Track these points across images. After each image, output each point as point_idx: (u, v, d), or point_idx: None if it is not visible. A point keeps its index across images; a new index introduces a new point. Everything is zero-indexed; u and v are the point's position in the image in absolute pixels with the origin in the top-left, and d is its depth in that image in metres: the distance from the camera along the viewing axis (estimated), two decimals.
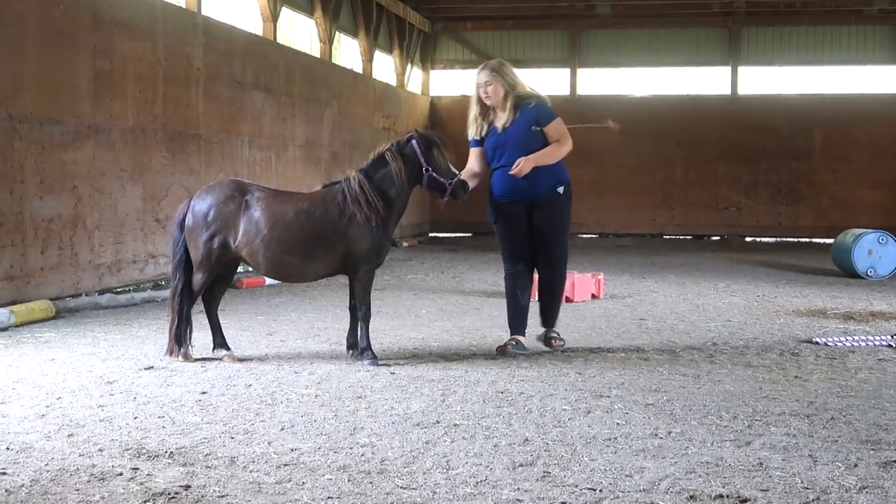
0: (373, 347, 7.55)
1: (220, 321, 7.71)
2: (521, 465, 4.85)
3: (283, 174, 16.12)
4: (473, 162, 8.21)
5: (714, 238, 24.50)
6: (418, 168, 7.56)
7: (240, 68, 14.56)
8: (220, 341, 7.63)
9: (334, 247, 7.41)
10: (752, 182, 24.37)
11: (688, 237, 24.60)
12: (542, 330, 8.30)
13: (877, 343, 8.59)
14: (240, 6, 16.07)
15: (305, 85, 17.11)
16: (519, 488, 4.50)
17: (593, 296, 11.81)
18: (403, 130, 23.24)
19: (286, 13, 17.13)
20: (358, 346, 7.54)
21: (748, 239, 24.30)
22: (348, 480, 4.58)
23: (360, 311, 7.52)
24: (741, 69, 24.81)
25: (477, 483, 4.57)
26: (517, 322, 8.16)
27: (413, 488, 4.49)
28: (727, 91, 24.82)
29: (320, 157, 17.82)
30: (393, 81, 23.20)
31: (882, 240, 14.67)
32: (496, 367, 7.41)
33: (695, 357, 7.91)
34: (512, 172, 7.80)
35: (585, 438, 5.36)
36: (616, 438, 5.37)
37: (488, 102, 7.98)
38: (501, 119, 7.97)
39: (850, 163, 23.77)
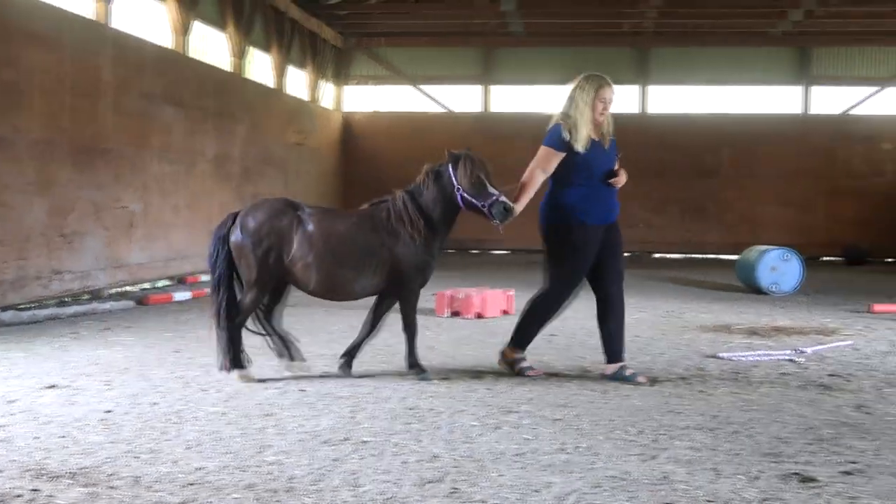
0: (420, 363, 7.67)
1: (285, 334, 7.79)
2: (430, 482, 4.85)
3: (193, 189, 15.93)
4: (551, 168, 7.72)
5: (625, 255, 24.74)
6: (450, 190, 7.51)
7: (150, 81, 14.37)
8: (294, 354, 7.76)
9: (382, 264, 7.44)
10: (662, 199, 24.75)
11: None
12: (610, 365, 7.79)
13: (779, 357, 8.78)
14: (150, 19, 15.87)
15: (217, 99, 16.94)
16: None
17: (504, 312, 11.87)
18: (316, 146, 23.33)
19: (198, 27, 16.96)
20: (350, 356, 7.74)
21: (657, 255, 24.66)
22: (255, 499, 4.54)
23: (406, 330, 7.60)
24: (650, 88, 25.23)
25: (385, 500, 4.56)
26: (529, 341, 8.02)
27: None
28: (636, 109, 25.21)
29: (231, 172, 17.65)
30: (306, 97, 23.11)
31: (785, 257, 15.01)
32: (406, 383, 7.40)
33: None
34: (618, 183, 7.66)
35: (494, 454, 5.38)
36: (524, 454, 5.40)
37: (601, 119, 7.62)
38: (598, 138, 7.66)
39: (756, 180, 24.29)
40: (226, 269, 7.48)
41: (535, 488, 4.77)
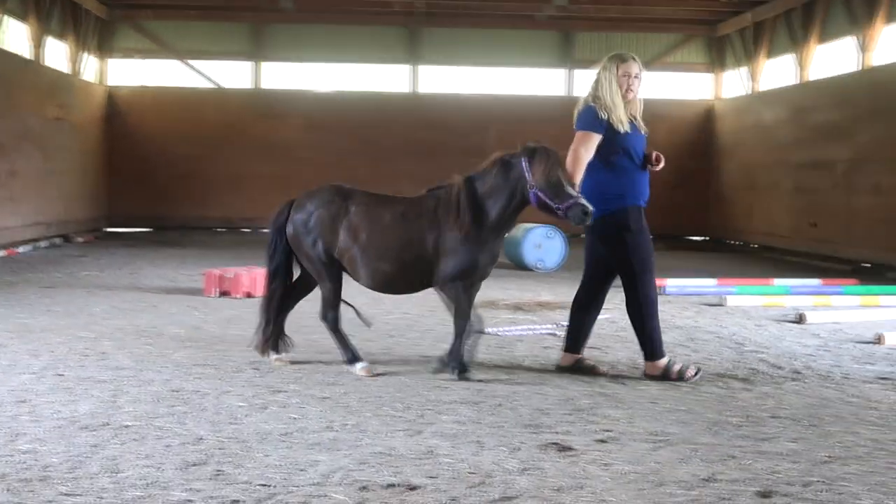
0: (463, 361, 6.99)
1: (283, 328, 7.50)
2: (194, 465, 4.76)
3: None
4: (591, 153, 7.01)
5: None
6: (523, 185, 6.76)
7: None
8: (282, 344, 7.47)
9: (422, 257, 6.94)
10: (432, 178, 24.74)
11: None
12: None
13: (542, 332, 9.08)
14: None
15: None
16: (190, 488, 4.42)
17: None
18: (78, 121, 22.39)
19: None
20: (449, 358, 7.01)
21: None
22: (7, 490, 4.33)
23: (456, 326, 7.00)
24: (421, 68, 25.50)
25: (146, 485, 4.45)
26: (660, 344, 7.25)
27: (78, 494, 4.31)
28: (408, 89, 25.44)
29: None
30: (67, 69, 22.13)
31: (550, 234, 15.53)
32: (171, 365, 7.23)
33: (371, 350, 8.02)
34: (659, 166, 7.10)
35: (260, 434, 5.34)
36: (291, 433, 5.38)
37: (630, 97, 7.08)
38: (632, 118, 7.14)
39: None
40: (283, 260, 7.27)
41: (301, 467, 4.76)
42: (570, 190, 6.64)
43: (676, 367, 7.16)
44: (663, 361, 7.18)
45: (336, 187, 7.32)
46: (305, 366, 7.30)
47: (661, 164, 7.13)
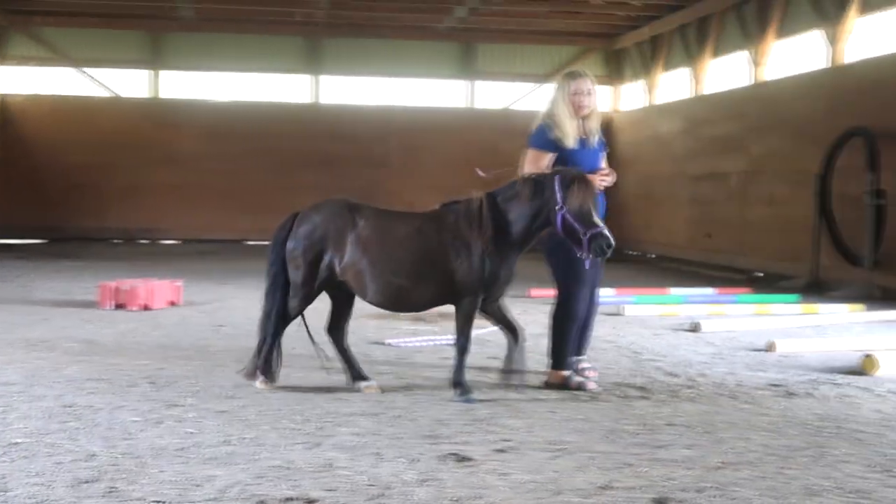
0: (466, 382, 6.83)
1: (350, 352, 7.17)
2: (86, 482, 4.65)
3: None
4: (542, 169, 7.16)
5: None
6: (551, 206, 6.61)
7: None
8: (356, 374, 7.06)
9: (442, 271, 6.72)
10: (333, 188, 24.84)
11: (270, 243, 24.69)
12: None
13: (441, 343, 9.09)
14: None
15: None
16: None
17: (172, 303, 11.59)
18: None
19: None
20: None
21: None
22: None
23: (456, 345, 6.83)
24: (322, 78, 25.44)
25: None
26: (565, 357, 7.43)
27: None
28: (309, 99, 25.34)
29: None
30: None
31: None
32: (63, 380, 7.06)
33: None
34: (605, 181, 7.15)
35: (155, 450, 5.24)
36: (187, 448, 5.29)
37: (582, 113, 7.27)
38: (584, 134, 7.33)
39: (424, 171, 24.97)
40: (281, 274, 6.94)
41: (197, 482, 4.69)
42: (597, 220, 6.60)
43: (577, 380, 7.24)
44: (566, 373, 7.28)
45: (344, 200, 7.08)
46: (202, 380, 7.19)
47: (609, 180, 7.20)
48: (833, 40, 16.35)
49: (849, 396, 7.16)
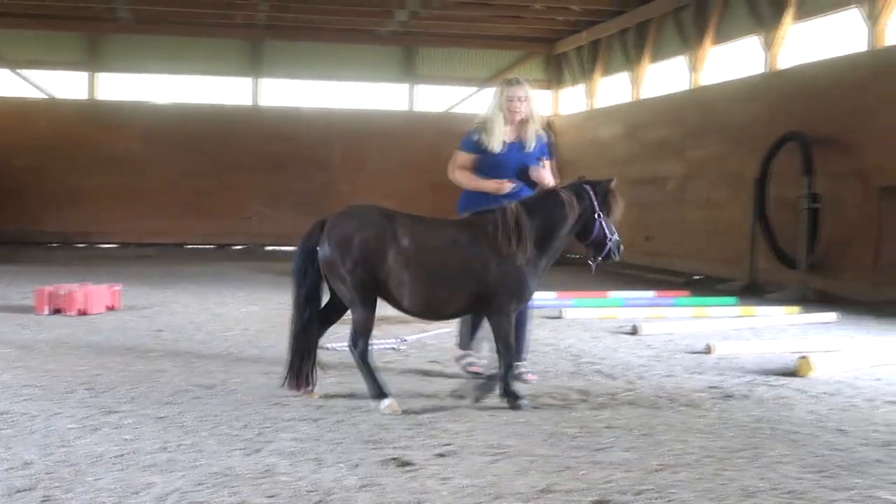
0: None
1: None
2: (20, 491, 4.59)
3: None
4: (470, 169, 7.67)
5: (237, 247, 24.70)
6: (588, 214, 6.93)
7: None
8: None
9: (482, 282, 6.66)
10: (275, 192, 24.89)
11: (211, 246, 24.59)
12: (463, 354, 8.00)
13: (383, 346, 9.07)
14: None
15: None
16: None
17: (110, 308, 11.45)
18: None
19: None
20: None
21: (270, 248, 24.72)
22: None
23: (501, 355, 6.79)
24: (263, 81, 25.31)
25: None
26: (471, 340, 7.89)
27: None
28: (250, 102, 25.19)
29: None
30: None
31: None
32: None
33: (210, 367, 7.91)
34: (541, 178, 7.47)
35: (92, 457, 5.17)
36: (125, 455, 5.23)
37: (516, 118, 7.56)
38: (514, 139, 7.61)
39: (366, 174, 24.96)
40: (314, 286, 6.69)
41: (135, 490, 4.64)
42: (614, 227, 7.06)
43: (465, 361, 7.84)
44: (462, 352, 7.88)
45: (377, 207, 6.90)
46: (139, 386, 7.11)
47: (543, 174, 7.50)
48: (769, 46, 16.60)
49: (784, 398, 7.26)
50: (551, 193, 6.99)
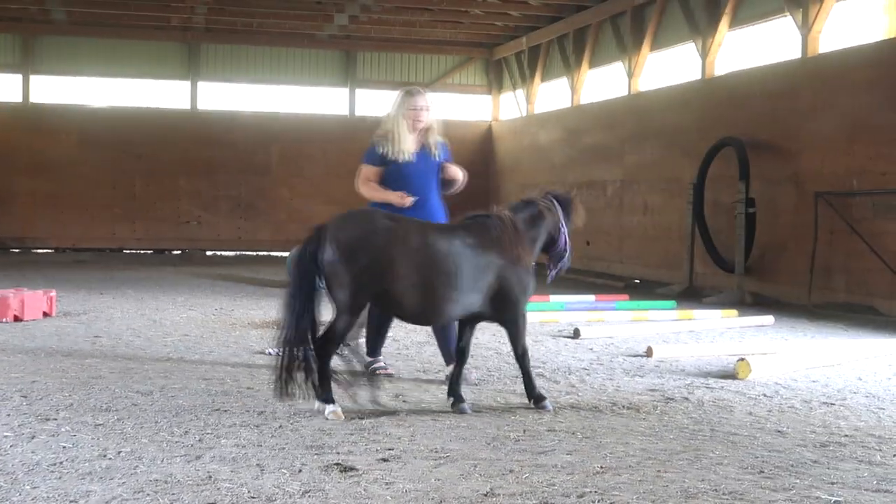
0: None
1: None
2: None
3: None
4: (375, 181, 7.86)
5: (175, 252, 24.45)
6: (557, 225, 7.16)
7: None
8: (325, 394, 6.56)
9: (491, 286, 6.71)
10: (213, 196, 24.69)
11: (149, 251, 24.31)
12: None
13: None
14: None
15: None
16: None
17: (45, 314, 11.26)
18: None
19: None
20: (458, 394, 6.82)
21: (209, 253, 24.52)
22: None
23: (521, 359, 6.94)
24: (201, 84, 25.06)
25: None
26: (380, 346, 8.18)
27: None
28: (187, 105, 24.94)
29: None
30: None
31: None
32: None
33: (149, 373, 7.81)
34: (454, 176, 7.89)
35: (28, 465, 5.08)
36: (62, 463, 5.15)
37: (418, 127, 7.77)
38: (417, 149, 7.81)
39: (305, 179, 24.85)
40: (311, 291, 6.44)
41: (73, 499, 4.56)
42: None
43: (375, 366, 7.90)
44: (369, 360, 7.94)
45: (376, 211, 6.88)
46: (76, 393, 7.00)
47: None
48: (705, 53, 16.80)
49: (723, 400, 7.35)
50: (530, 203, 7.10)
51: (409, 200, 7.63)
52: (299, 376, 6.45)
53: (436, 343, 8.15)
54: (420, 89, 7.97)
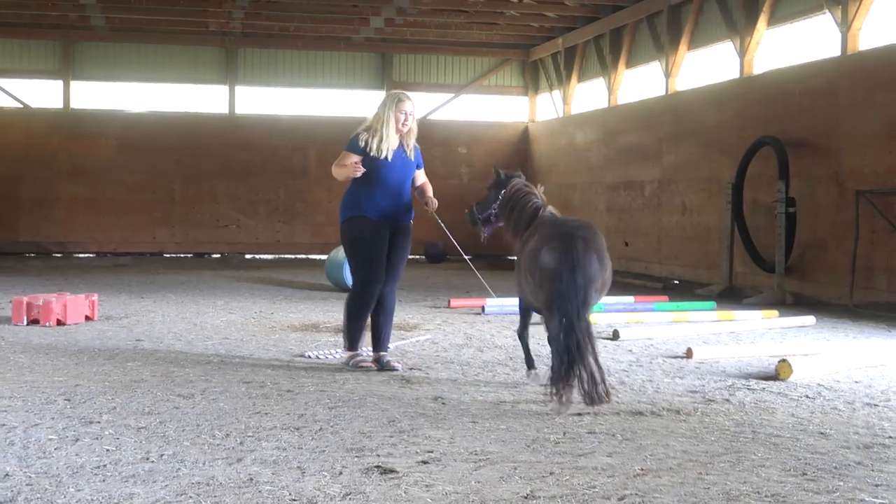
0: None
1: None
2: (0, 503, 4.55)
3: None
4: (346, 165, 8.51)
5: (214, 256, 24.61)
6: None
7: None
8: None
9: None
10: (251, 200, 24.82)
11: (188, 255, 24.49)
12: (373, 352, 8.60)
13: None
14: None
15: None
16: None
17: (87, 318, 11.37)
18: None
19: None
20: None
21: (248, 256, 24.66)
22: None
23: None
24: (238, 88, 25.20)
25: None
26: (359, 339, 8.60)
27: None
28: (225, 110, 25.09)
29: None
30: None
31: None
32: None
33: (190, 376, 7.87)
34: (431, 205, 8.70)
35: (72, 468, 5.14)
36: (105, 466, 5.20)
37: (404, 129, 8.47)
38: (398, 148, 8.50)
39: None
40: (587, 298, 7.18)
41: (116, 501, 4.61)
42: None
43: (358, 360, 8.45)
44: (349, 354, 8.53)
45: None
46: (119, 396, 7.06)
47: (432, 207, 8.76)
48: (743, 52, 16.69)
49: (764, 401, 7.29)
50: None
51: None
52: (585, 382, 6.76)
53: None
54: (409, 95, 8.60)
